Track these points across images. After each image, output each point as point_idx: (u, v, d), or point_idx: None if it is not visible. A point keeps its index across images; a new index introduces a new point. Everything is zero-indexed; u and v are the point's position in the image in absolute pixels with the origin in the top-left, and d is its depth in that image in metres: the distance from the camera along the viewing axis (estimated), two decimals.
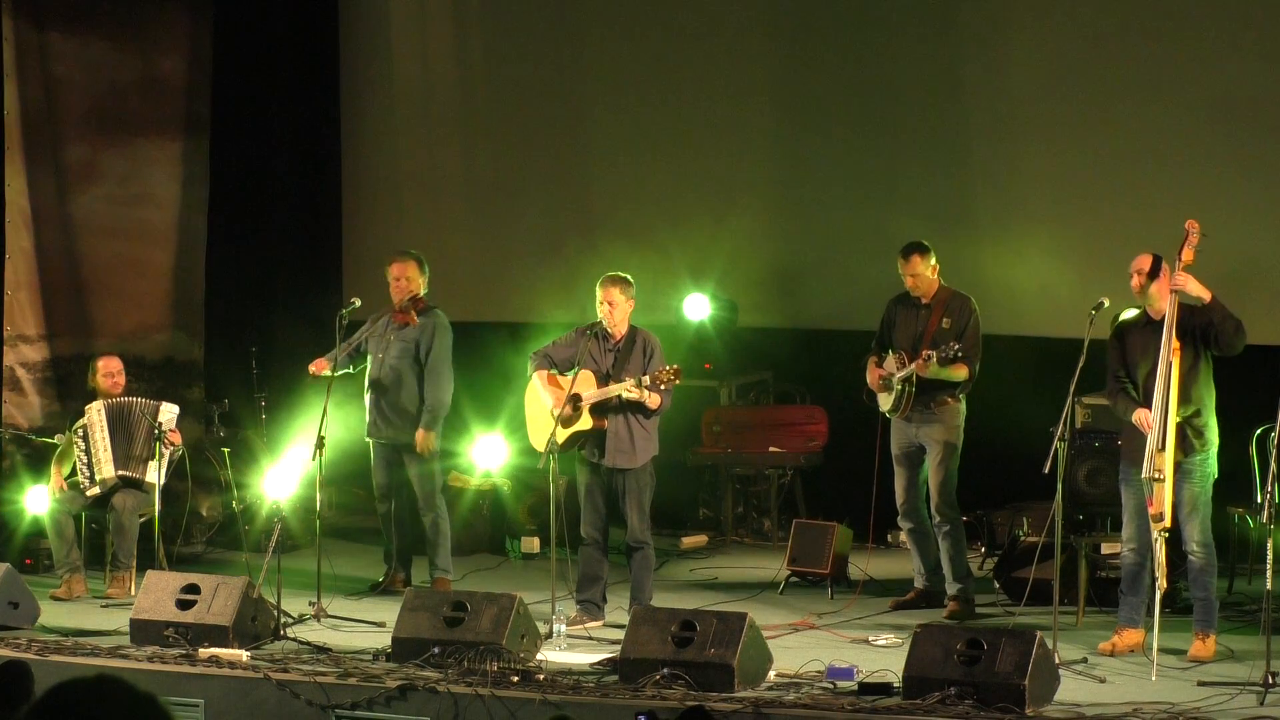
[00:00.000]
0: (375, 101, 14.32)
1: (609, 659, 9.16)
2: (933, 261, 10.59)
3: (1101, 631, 9.75)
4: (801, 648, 9.62)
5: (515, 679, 8.85)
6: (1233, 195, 11.68)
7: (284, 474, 11.11)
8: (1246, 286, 11.15)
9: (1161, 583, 9.19)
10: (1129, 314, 9.64)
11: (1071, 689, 8.72)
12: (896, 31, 12.79)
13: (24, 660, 7.72)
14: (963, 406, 10.54)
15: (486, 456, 12.77)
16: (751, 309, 13.21)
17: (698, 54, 13.32)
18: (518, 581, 11.25)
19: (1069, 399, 9.39)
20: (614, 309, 10.26)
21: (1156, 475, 9.13)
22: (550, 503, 10.27)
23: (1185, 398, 9.23)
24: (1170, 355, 9.12)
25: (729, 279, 13.05)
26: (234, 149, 13.77)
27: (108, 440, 11.23)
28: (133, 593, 10.64)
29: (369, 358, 11.13)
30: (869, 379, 10.71)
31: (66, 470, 11.37)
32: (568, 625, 9.75)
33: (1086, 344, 9.35)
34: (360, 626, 10.16)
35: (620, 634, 9.27)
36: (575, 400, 10.21)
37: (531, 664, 9.15)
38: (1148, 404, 9.25)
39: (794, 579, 11.35)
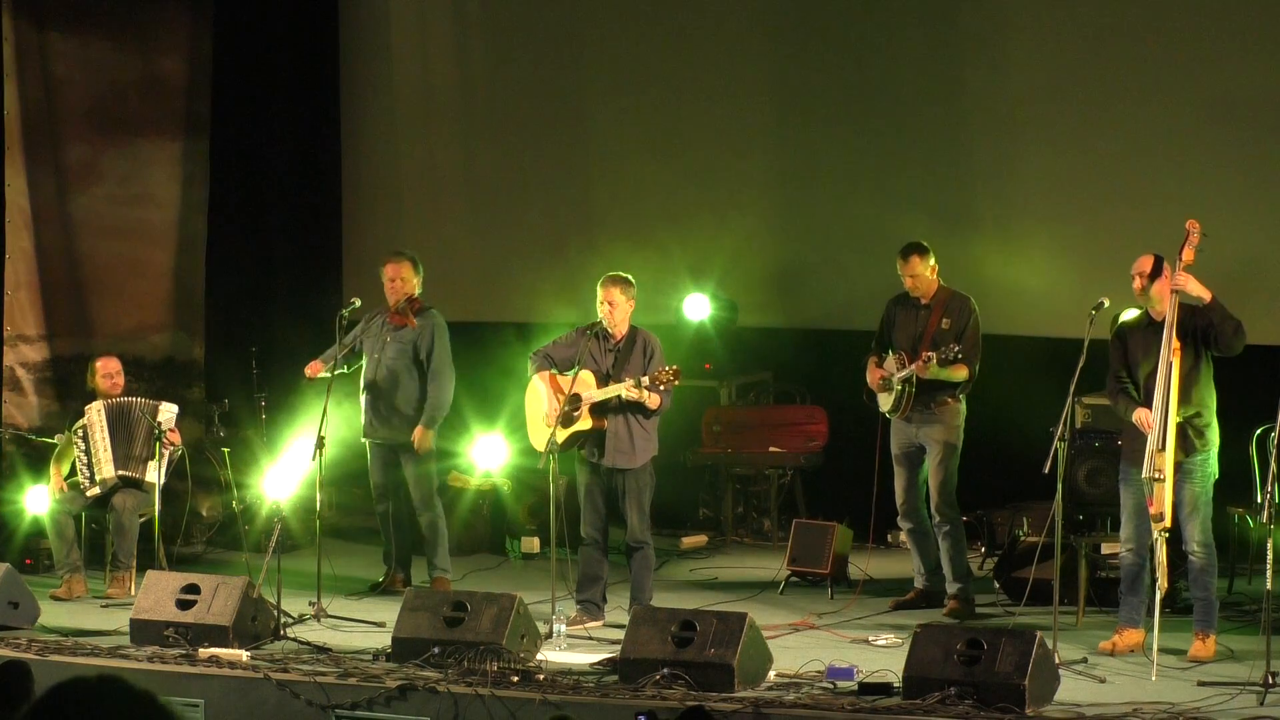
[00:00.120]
0: (375, 101, 14.32)
1: (609, 659, 9.16)
2: (932, 262, 10.59)
3: (1101, 631, 9.75)
4: (801, 648, 9.62)
5: (515, 679, 8.85)
6: (1233, 195, 11.68)
7: (284, 474, 11.11)
8: (1246, 286, 11.15)
9: (1162, 583, 9.19)
10: (1130, 314, 9.65)
11: (1071, 689, 8.72)
12: (897, 32, 12.79)
13: (24, 660, 7.71)
14: (963, 406, 10.54)
15: (486, 456, 12.77)
16: (751, 309, 13.22)
17: (698, 54, 13.32)
18: (518, 581, 11.25)
19: (1069, 399, 9.39)
20: (614, 309, 10.26)
21: (1157, 475, 9.13)
22: (550, 503, 10.27)
23: (1186, 398, 9.23)
24: (1170, 356, 9.12)
25: (729, 279, 13.05)
26: (234, 149, 13.77)
27: (108, 440, 11.23)
28: (133, 593, 10.64)
29: (364, 358, 11.13)
30: (869, 379, 10.71)
31: (65, 470, 11.37)
32: (568, 625, 9.75)
33: (1086, 344, 9.35)
34: (360, 626, 10.16)
35: (620, 634, 9.27)
36: (575, 400, 10.21)
37: (531, 664, 9.15)
38: (1149, 404, 9.26)
39: (794, 579, 11.35)
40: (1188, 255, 9.21)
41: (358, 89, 14.35)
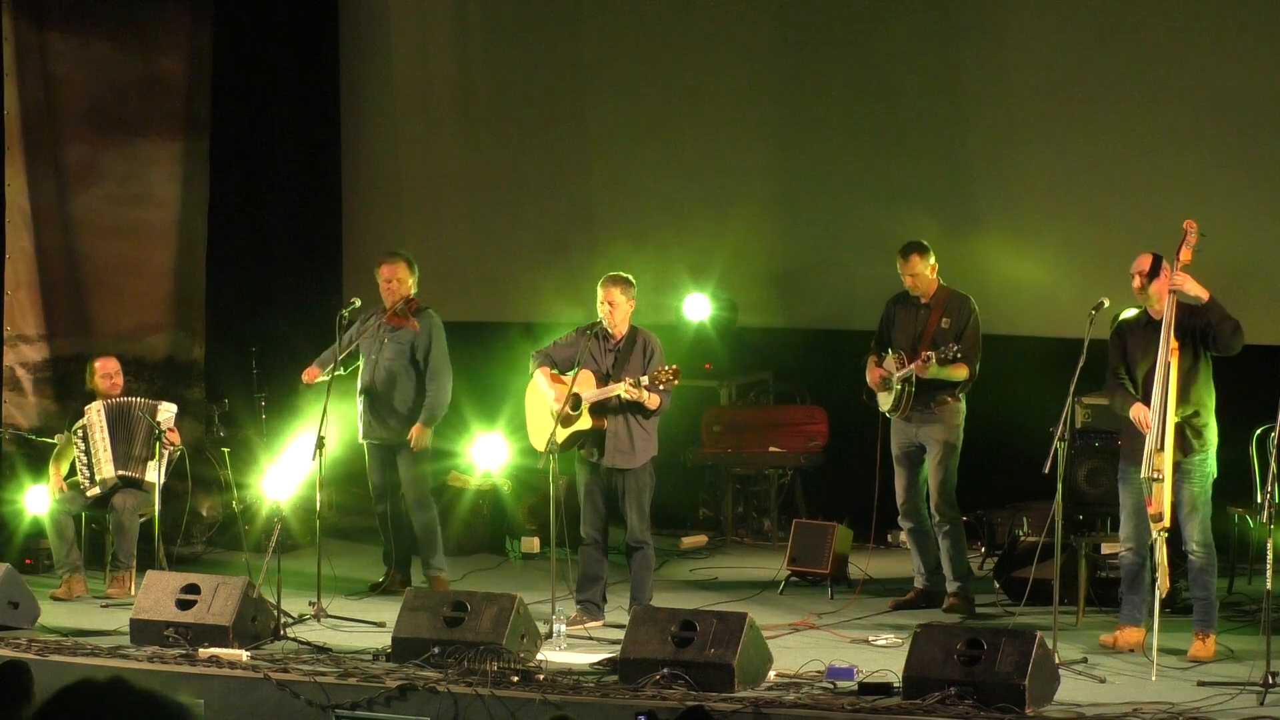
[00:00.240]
0: (375, 101, 14.32)
1: (609, 659, 9.16)
2: (932, 261, 10.59)
3: (1101, 632, 9.75)
4: (801, 648, 9.62)
5: (515, 679, 8.85)
6: (1233, 195, 11.68)
7: (284, 474, 11.11)
8: (1246, 286, 11.16)
9: (1163, 583, 9.19)
10: (1131, 312, 9.65)
11: (1071, 689, 8.72)
12: (897, 32, 12.79)
13: (24, 660, 7.70)
14: (962, 406, 10.54)
15: (486, 456, 12.77)
16: (751, 309, 13.22)
17: (698, 54, 13.32)
18: (518, 581, 11.25)
19: (1069, 399, 9.39)
20: (614, 309, 10.26)
21: (1155, 475, 9.13)
22: (550, 503, 10.27)
23: (1184, 398, 9.24)
24: (1168, 356, 9.12)
25: (729, 279, 13.05)
26: (234, 149, 13.77)
27: (107, 440, 11.23)
28: (133, 593, 10.64)
29: (361, 359, 11.12)
30: (868, 378, 10.71)
31: (64, 470, 11.37)
32: (568, 625, 9.75)
33: (1086, 344, 9.36)
34: (360, 626, 10.16)
35: (620, 634, 9.27)
36: (575, 400, 10.21)
37: (531, 664, 9.15)
38: (1148, 402, 9.26)
39: (794, 579, 11.35)
40: (1185, 255, 9.22)
41: (358, 89, 14.35)
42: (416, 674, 9.01)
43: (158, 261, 13.34)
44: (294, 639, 9.76)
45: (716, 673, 8.74)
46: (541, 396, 10.39)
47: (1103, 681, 8.95)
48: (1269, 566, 8.75)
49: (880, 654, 9.49)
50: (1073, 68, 12.22)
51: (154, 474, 11.07)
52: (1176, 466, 9.21)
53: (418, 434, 11.00)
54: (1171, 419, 9.13)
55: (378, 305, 11.19)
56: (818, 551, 11.24)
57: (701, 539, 12.84)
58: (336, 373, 10.90)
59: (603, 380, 10.24)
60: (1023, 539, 10.92)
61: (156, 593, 9.81)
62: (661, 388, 10.09)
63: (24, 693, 6.55)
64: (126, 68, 13.14)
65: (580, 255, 13.10)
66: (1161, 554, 9.20)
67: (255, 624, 9.73)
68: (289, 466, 11.10)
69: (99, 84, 13.04)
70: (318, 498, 10.46)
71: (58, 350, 12.83)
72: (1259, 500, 9.36)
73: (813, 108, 13.07)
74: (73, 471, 11.36)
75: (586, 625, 10.13)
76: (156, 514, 10.85)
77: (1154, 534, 9.21)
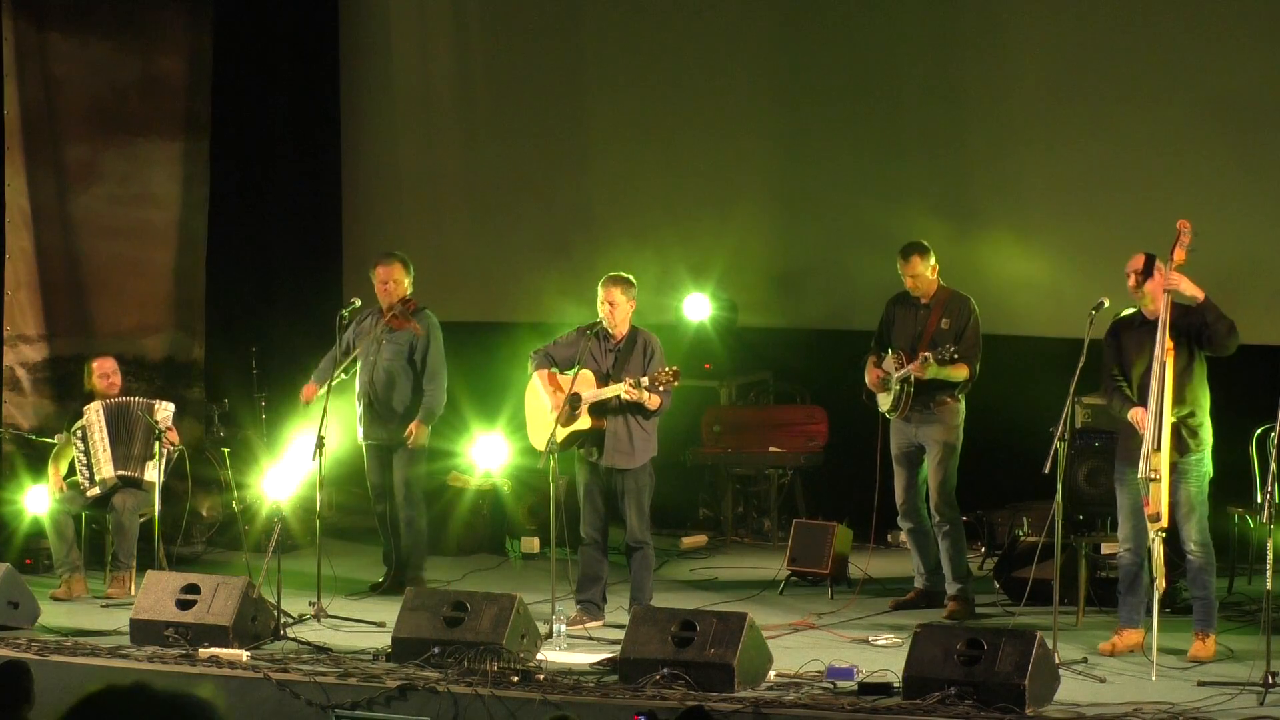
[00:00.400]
0: (375, 101, 14.32)
1: (609, 659, 9.16)
2: (932, 262, 10.59)
3: (1101, 631, 9.75)
4: (801, 648, 9.62)
5: (515, 679, 8.85)
6: (1233, 195, 11.68)
7: (284, 474, 11.11)
8: (1246, 286, 11.16)
9: (1160, 583, 9.19)
10: (1127, 313, 9.65)
11: (1071, 689, 8.72)
12: (898, 32, 12.79)
13: (24, 660, 7.70)
14: (962, 406, 10.54)
15: (486, 456, 12.77)
16: (751, 309, 13.22)
17: (698, 54, 13.32)
18: (518, 581, 11.25)
19: (1069, 399, 9.39)
20: (615, 309, 10.26)
21: (1153, 475, 9.13)
22: (550, 503, 10.27)
23: (1180, 398, 9.23)
24: (1164, 355, 9.12)
25: (729, 279, 13.05)
26: (234, 149, 13.77)
27: (107, 441, 11.22)
28: (133, 593, 10.64)
29: (359, 361, 11.11)
30: (868, 378, 10.71)
31: (64, 470, 11.37)
32: (568, 625, 9.75)
33: (1086, 344, 9.36)
34: (360, 626, 10.16)
35: (620, 634, 9.27)
36: (575, 400, 10.21)
37: (531, 664, 9.15)
38: (1143, 402, 9.26)
39: (794, 579, 11.35)
40: (1179, 255, 9.22)
41: (358, 89, 14.35)
42: (416, 674, 9.01)
43: (158, 261, 13.34)
44: (294, 639, 9.76)
45: (716, 673, 8.74)
46: (541, 397, 10.39)
47: (1103, 681, 8.95)
48: (1269, 566, 8.75)
49: (880, 654, 9.49)
50: (1073, 68, 12.22)
51: (153, 473, 11.07)
52: (1173, 467, 9.21)
53: (415, 431, 10.99)
54: (1168, 419, 9.13)
55: (373, 306, 11.19)
56: (818, 551, 11.24)
57: (701, 539, 12.84)
58: (340, 378, 10.93)
59: (603, 380, 10.24)
60: (1023, 539, 10.91)
61: (156, 593, 9.81)
62: (661, 388, 10.09)
63: (24, 693, 6.55)
64: (126, 68, 13.13)
65: (580, 255, 13.10)
66: (1158, 554, 9.20)
67: (255, 624, 9.73)
68: (289, 466, 11.10)
69: (99, 84, 13.04)
70: (318, 498, 10.46)
71: (58, 350, 12.83)
72: (1259, 500, 9.35)
73: (813, 108, 13.07)
74: (72, 472, 11.36)
75: (586, 625, 10.13)
76: (156, 514, 10.85)
77: (1151, 534, 9.21)
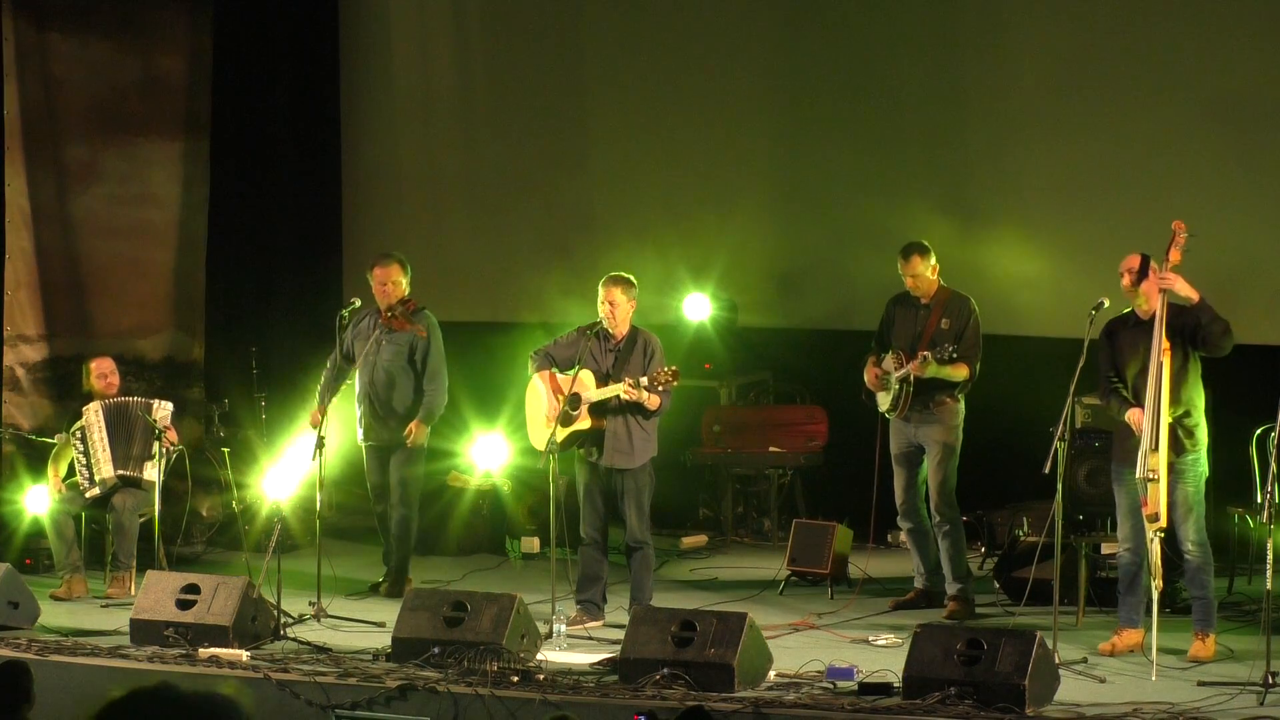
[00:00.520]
0: (375, 101, 14.32)
1: (609, 659, 9.16)
2: (933, 262, 10.59)
3: (1101, 631, 9.74)
4: (801, 648, 9.62)
5: (515, 679, 8.85)
6: (1234, 195, 11.68)
7: (284, 474, 11.11)
8: (1246, 286, 11.17)
9: (1158, 583, 9.19)
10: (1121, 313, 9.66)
11: (1071, 689, 8.72)
12: (898, 32, 12.79)
13: (24, 660, 7.70)
14: (961, 406, 10.54)
15: (486, 456, 12.77)
16: (751, 309, 13.22)
17: (698, 54, 13.32)
18: (518, 581, 11.25)
19: (1069, 399, 9.39)
20: (615, 309, 10.25)
21: (1150, 475, 9.13)
22: (550, 503, 10.27)
23: (1175, 398, 9.23)
24: (1161, 356, 9.12)
25: (729, 279, 13.05)
26: (234, 149, 13.77)
27: (106, 441, 11.22)
28: (133, 593, 10.64)
29: (358, 361, 11.10)
30: (867, 378, 10.71)
31: (63, 471, 11.37)
32: (568, 625, 9.75)
33: (1087, 344, 9.37)
34: (360, 626, 10.16)
35: (620, 634, 9.27)
36: (575, 400, 10.21)
37: (531, 664, 9.15)
38: (1139, 402, 9.26)
39: (794, 579, 11.35)
40: (1174, 256, 9.22)
41: (358, 89, 14.35)
42: (416, 674, 9.01)
43: (158, 261, 13.33)
44: (294, 639, 9.76)
45: (716, 673, 8.74)
46: (541, 396, 10.39)
47: (1103, 681, 8.95)
48: (1269, 566, 8.75)
49: (880, 654, 9.48)
50: (1073, 67, 12.22)
51: (153, 473, 11.07)
52: (1170, 467, 9.21)
53: (415, 430, 10.99)
54: (1165, 419, 9.13)
55: (371, 306, 11.18)
56: (818, 551, 11.23)
57: (701, 539, 12.84)
58: (346, 382, 10.96)
59: (603, 380, 10.24)
60: (1023, 539, 10.91)
61: (156, 593, 9.81)
62: (661, 388, 10.09)
63: (24, 693, 6.56)
64: (126, 68, 13.13)
65: (580, 255, 13.10)
66: (1156, 554, 9.20)
67: (255, 624, 9.73)
68: (289, 466, 11.10)
69: (99, 84, 13.04)
70: (318, 498, 10.46)
71: (57, 350, 12.82)
72: (1259, 500, 9.36)
73: (813, 108, 13.07)
74: (71, 472, 11.36)
75: (586, 625, 10.13)
76: (156, 514, 10.84)
77: (1150, 534, 9.21)
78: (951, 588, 10.57)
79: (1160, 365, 9.11)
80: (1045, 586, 10.08)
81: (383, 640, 9.57)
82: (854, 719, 8.36)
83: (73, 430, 11.33)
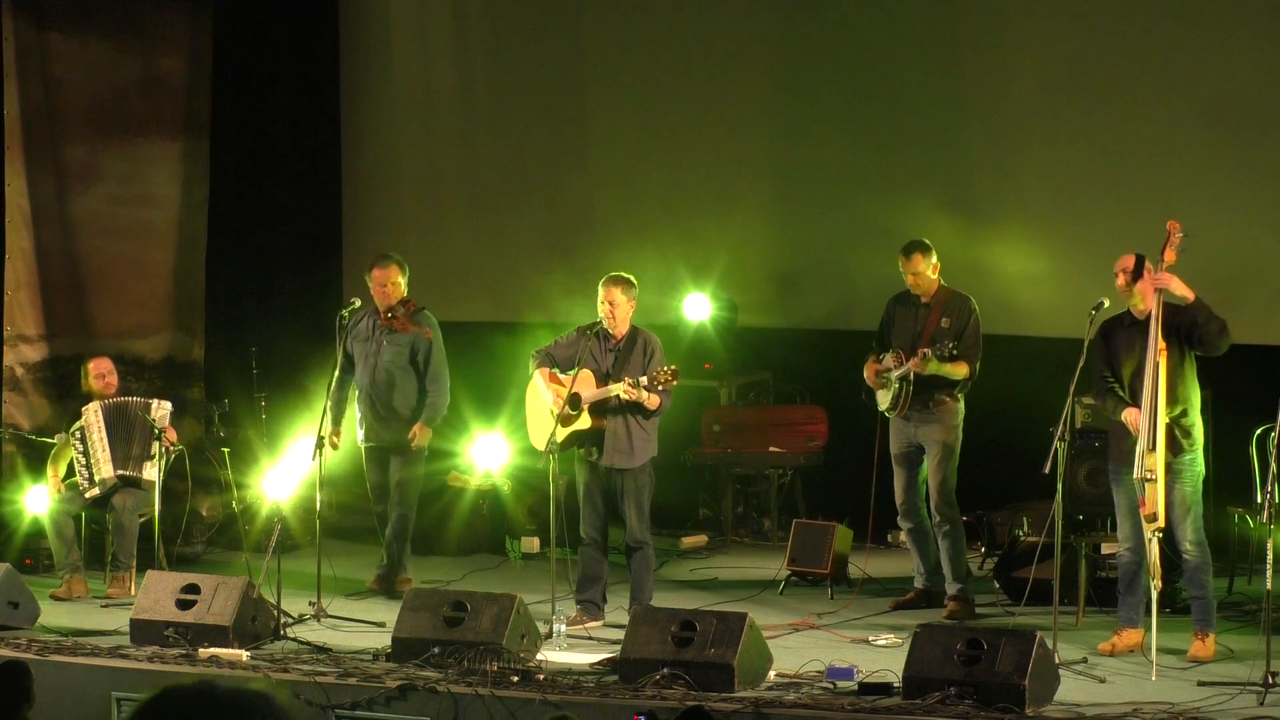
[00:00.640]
0: (375, 101, 14.32)
1: (609, 659, 9.16)
2: (934, 261, 10.59)
3: (1101, 632, 9.74)
4: (801, 648, 9.62)
5: (515, 679, 8.85)
6: (1233, 194, 11.68)
7: (284, 474, 11.11)
8: (1246, 286, 11.17)
9: (1157, 582, 9.19)
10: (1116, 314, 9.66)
11: (1071, 689, 8.72)
12: (898, 31, 12.79)
13: (24, 660, 7.70)
14: (961, 406, 10.54)
15: (486, 456, 12.77)
16: (751, 309, 13.22)
17: (698, 54, 13.33)
18: (518, 581, 11.25)
19: (1069, 399, 9.39)
20: (615, 309, 10.26)
21: (1148, 476, 9.13)
22: (550, 503, 10.27)
23: (1172, 397, 9.23)
24: (1157, 355, 9.12)
25: (729, 279, 13.05)
26: (234, 149, 13.77)
27: (106, 441, 11.22)
28: (133, 593, 10.64)
29: (358, 362, 11.11)
30: (867, 377, 10.71)
31: (62, 471, 11.37)
32: (568, 625, 9.75)
33: (1087, 344, 9.37)
34: (360, 626, 10.16)
35: (620, 634, 9.27)
36: (575, 400, 10.21)
37: (531, 664, 9.15)
38: (1135, 402, 9.26)
39: (794, 579, 11.35)
40: (1169, 256, 9.22)
41: (358, 89, 14.35)
42: (416, 674, 9.01)
43: (158, 261, 13.34)
44: (294, 639, 9.76)
45: (716, 673, 8.74)
46: (541, 396, 10.39)
47: (1103, 681, 8.95)
48: (1269, 566, 8.75)
49: (880, 654, 9.48)
50: (1074, 67, 12.22)
51: (153, 473, 11.07)
52: (1167, 467, 9.21)
53: (419, 433, 11.01)
54: (1162, 419, 9.13)
55: (368, 307, 11.19)
56: (818, 551, 11.23)
57: (701, 539, 12.84)
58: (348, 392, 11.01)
59: (603, 380, 10.24)
60: (1023, 539, 10.91)
61: (156, 593, 9.81)
62: (660, 388, 10.09)
63: (24, 693, 6.55)
64: (126, 68, 13.13)
65: (580, 255, 13.10)
66: (1155, 554, 9.20)
67: (255, 624, 9.73)
68: (289, 466, 11.10)
69: (99, 84, 13.04)
70: (318, 498, 10.46)
71: (57, 350, 12.83)
72: (1259, 500, 9.36)
73: (813, 107, 13.07)
74: (70, 473, 11.36)
75: (586, 625, 10.13)
76: (156, 514, 10.84)
77: (1148, 534, 9.21)
78: (951, 588, 10.57)
79: (1156, 365, 9.11)
80: (1045, 586, 10.08)
81: (383, 640, 9.57)
82: (854, 719, 8.36)
83: (72, 430, 11.33)
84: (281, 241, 14.17)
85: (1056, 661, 8.83)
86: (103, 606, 10.73)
